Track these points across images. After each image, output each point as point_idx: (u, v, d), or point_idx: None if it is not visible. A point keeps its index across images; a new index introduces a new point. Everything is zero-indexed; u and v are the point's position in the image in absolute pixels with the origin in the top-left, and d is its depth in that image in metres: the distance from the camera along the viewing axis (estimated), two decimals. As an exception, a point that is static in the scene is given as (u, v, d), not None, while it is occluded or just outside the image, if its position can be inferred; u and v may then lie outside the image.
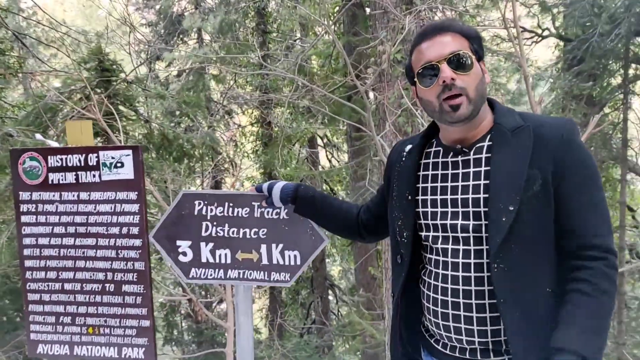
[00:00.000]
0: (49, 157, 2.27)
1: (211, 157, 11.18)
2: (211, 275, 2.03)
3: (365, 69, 5.45)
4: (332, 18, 7.02)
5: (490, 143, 1.37)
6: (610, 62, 7.01)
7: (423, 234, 1.48)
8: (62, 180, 2.27)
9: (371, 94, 4.42)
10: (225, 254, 2.01)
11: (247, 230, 1.97)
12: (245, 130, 13.50)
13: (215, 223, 1.99)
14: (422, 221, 1.47)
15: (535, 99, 2.72)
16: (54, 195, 2.29)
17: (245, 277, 2.01)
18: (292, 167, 11.17)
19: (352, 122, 5.50)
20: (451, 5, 4.79)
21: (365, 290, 8.05)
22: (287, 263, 1.96)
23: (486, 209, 1.32)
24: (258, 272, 2.00)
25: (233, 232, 1.99)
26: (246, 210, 1.97)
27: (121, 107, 8.59)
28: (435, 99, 1.37)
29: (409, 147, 1.56)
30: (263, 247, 1.98)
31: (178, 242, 2.07)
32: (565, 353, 1.20)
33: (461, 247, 1.38)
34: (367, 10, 7.60)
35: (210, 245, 2.02)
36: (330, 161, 12.95)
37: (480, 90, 1.37)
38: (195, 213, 2.02)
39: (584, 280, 1.26)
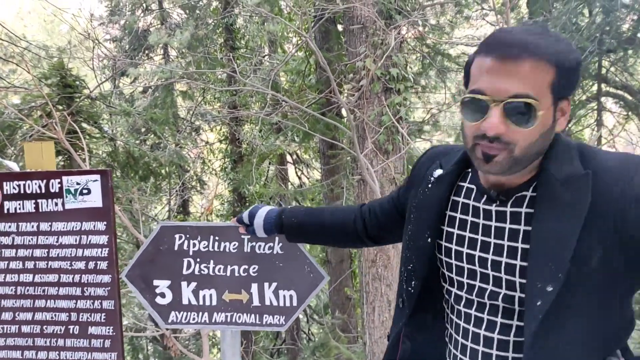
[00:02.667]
0: (4, 183, 2.01)
1: (178, 175, 10.90)
2: (194, 319, 1.80)
3: (341, 85, 5.32)
4: (306, 31, 6.90)
5: (535, 194, 1.07)
6: (582, 79, 7.07)
7: (447, 286, 1.23)
8: (19, 209, 2.02)
9: (350, 112, 4.29)
10: (210, 295, 1.77)
11: (236, 267, 1.75)
12: (214, 147, 13.25)
13: (198, 259, 1.76)
14: (446, 272, 1.22)
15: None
16: (10, 227, 2.03)
17: (233, 320, 1.77)
18: (261, 184, 10.95)
19: (327, 139, 5.35)
20: (427, 21, 4.71)
21: (341, 312, 7.84)
22: (281, 304, 1.74)
23: (521, 280, 1.06)
24: (248, 315, 1.77)
25: (219, 270, 1.76)
26: (234, 245, 1.75)
27: (84, 125, 8.27)
28: (472, 139, 1.05)
29: (438, 172, 1.23)
30: (254, 287, 1.75)
31: (155, 282, 1.82)
32: None
33: (486, 316, 1.13)
34: (340, 26, 7.52)
35: (193, 285, 1.78)
36: (300, 178, 12.79)
37: (536, 147, 1.03)
38: (176, 248, 1.79)
39: None
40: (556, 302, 0.98)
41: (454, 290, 1.19)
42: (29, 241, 2.03)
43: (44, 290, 2.03)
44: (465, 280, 1.15)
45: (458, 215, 1.18)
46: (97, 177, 1.96)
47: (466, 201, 1.17)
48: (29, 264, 2.04)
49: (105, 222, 1.98)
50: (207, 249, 1.77)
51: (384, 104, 4.19)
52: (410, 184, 1.33)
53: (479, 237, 1.12)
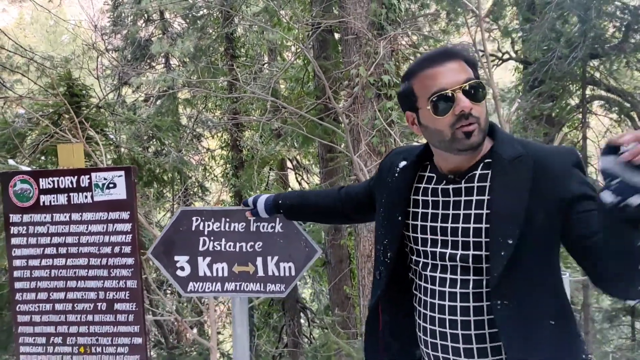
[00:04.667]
0: (40, 179, 2.31)
1: (181, 181, 11.14)
2: (209, 288, 2.11)
3: (338, 91, 5.61)
4: (303, 42, 7.21)
5: (483, 172, 1.34)
6: (569, 83, 7.37)
7: (414, 258, 1.47)
8: (53, 201, 2.32)
9: (344, 116, 4.57)
10: (222, 268, 2.09)
11: (244, 244, 2.07)
12: (215, 154, 13.49)
13: (212, 238, 2.08)
14: (413, 245, 1.45)
15: (504, 117, 2.89)
16: (45, 217, 2.33)
17: (242, 289, 2.09)
18: (262, 190, 11.19)
19: (326, 142, 5.64)
20: (419, 31, 5.00)
21: (340, 310, 8.10)
22: (282, 274, 2.05)
23: (475, 239, 1.31)
24: (254, 284, 2.08)
25: (230, 246, 2.07)
26: (242, 225, 2.06)
27: (90, 132, 8.55)
28: (448, 128, 1.30)
29: (402, 163, 1.51)
30: (259, 260, 2.07)
31: (176, 258, 2.14)
32: None
33: (448, 275, 1.36)
34: (337, 35, 7.82)
35: (208, 259, 2.10)
36: (300, 183, 13.03)
37: (487, 120, 1.34)
38: (193, 229, 2.10)
39: None
40: (514, 252, 1.23)
41: (421, 259, 1.43)
42: (62, 230, 2.32)
43: (75, 272, 2.33)
44: (428, 249, 1.40)
45: (420, 198, 1.45)
46: (122, 173, 2.26)
47: (427, 186, 1.45)
48: (62, 250, 2.33)
49: (128, 212, 2.27)
50: (219, 229, 2.08)
51: (376, 108, 4.48)
52: (379, 176, 1.62)
53: (439, 212, 1.39)
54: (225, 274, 2.08)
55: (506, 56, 9.58)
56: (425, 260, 1.41)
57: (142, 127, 10.07)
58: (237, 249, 2.07)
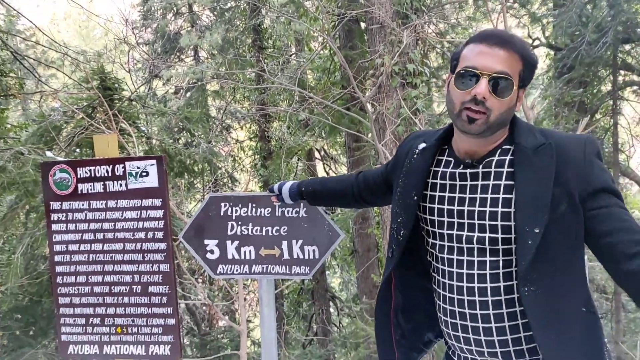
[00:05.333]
0: (78, 168, 2.43)
1: (211, 171, 11.32)
2: (237, 270, 2.21)
3: (364, 81, 5.64)
4: (328, 33, 7.26)
5: (501, 158, 1.37)
6: (600, 69, 7.23)
7: (431, 240, 1.50)
8: (90, 190, 2.44)
9: (369, 105, 4.61)
10: (250, 251, 2.18)
11: (269, 228, 2.16)
12: (244, 144, 13.65)
13: (240, 222, 2.17)
14: (429, 228, 1.49)
15: (528, 105, 2.89)
16: (83, 204, 2.46)
17: (268, 271, 2.18)
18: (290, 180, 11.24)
19: (352, 132, 5.68)
20: (444, 19, 4.99)
21: (368, 298, 8.18)
22: (306, 257, 2.14)
23: (503, 223, 1.33)
24: (280, 266, 2.17)
25: (256, 231, 2.17)
26: (268, 210, 2.15)
27: (123, 125, 8.77)
28: (460, 104, 1.35)
29: (422, 145, 1.54)
30: (284, 243, 2.16)
31: (206, 241, 2.24)
32: None
33: (475, 258, 1.39)
34: (363, 24, 7.83)
35: (236, 243, 2.20)
36: (327, 173, 13.09)
37: (504, 117, 1.35)
38: (222, 214, 2.20)
39: None
40: (542, 239, 1.26)
41: (437, 242, 1.47)
42: (99, 216, 2.45)
43: (111, 257, 2.45)
44: (445, 232, 1.44)
45: (438, 181, 1.48)
46: (154, 162, 2.37)
47: (445, 170, 1.47)
48: (99, 235, 2.46)
49: (160, 199, 2.38)
50: (247, 214, 2.18)
51: (401, 97, 4.51)
52: (397, 159, 1.65)
53: (457, 195, 1.42)
54: (253, 257, 2.18)
55: (536, 42, 9.43)
56: (442, 243, 1.45)
57: (173, 119, 10.27)
58: (264, 233, 2.17)
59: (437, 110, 8.73)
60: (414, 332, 1.63)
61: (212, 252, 2.23)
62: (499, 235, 1.34)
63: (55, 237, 2.49)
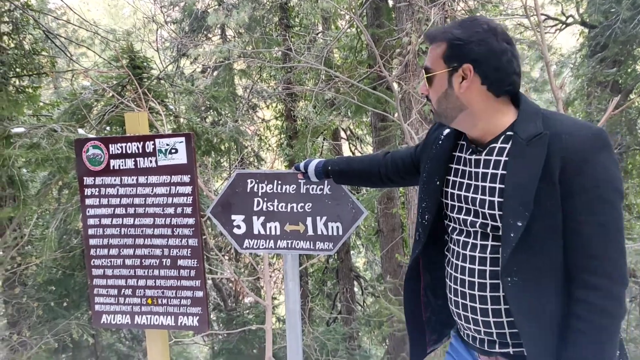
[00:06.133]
0: (110, 145, 2.50)
1: (237, 150, 11.41)
2: (262, 245, 2.26)
3: (390, 60, 5.60)
4: (355, 11, 7.19)
5: (503, 145, 1.38)
6: (635, 47, 7.03)
7: (446, 222, 1.56)
8: (122, 166, 2.51)
9: (396, 85, 4.58)
10: (275, 226, 2.23)
11: (294, 204, 2.20)
12: (270, 124, 13.71)
13: (265, 199, 2.22)
14: (447, 212, 1.55)
15: (557, 84, 2.85)
16: (115, 180, 2.53)
17: (293, 246, 2.23)
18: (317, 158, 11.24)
19: (378, 111, 5.67)
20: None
21: (392, 277, 8.22)
22: (330, 233, 2.18)
23: (490, 211, 1.38)
24: (304, 242, 2.22)
25: (282, 207, 2.22)
26: (293, 187, 2.19)
27: (152, 103, 8.89)
28: None
29: (447, 131, 1.58)
30: (309, 220, 2.20)
31: (233, 217, 2.30)
32: None
33: (471, 240, 1.44)
34: (390, 2, 7.73)
35: (262, 218, 2.25)
36: (353, 153, 13.08)
37: (443, 105, 1.43)
38: (248, 190, 2.25)
39: (580, 317, 1.27)
40: (524, 233, 1.29)
41: (452, 224, 1.53)
42: (130, 192, 2.52)
43: (142, 231, 2.53)
44: (455, 215, 1.50)
45: (454, 166, 1.53)
46: (183, 139, 2.42)
47: (460, 154, 1.52)
48: (130, 210, 2.53)
49: (189, 176, 2.44)
50: (272, 190, 2.22)
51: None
52: (426, 143, 1.70)
53: (465, 181, 1.47)
54: (278, 233, 2.23)
55: (570, 20, 9.18)
56: (455, 225, 1.52)
57: (200, 98, 10.37)
58: (289, 210, 2.22)
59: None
60: (444, 308, 1.67)
61: (238, 227, 2.29)
62: (489, 222, 1.39)
63: (88, 212, 2.57)
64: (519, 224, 1.29)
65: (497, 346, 1.44)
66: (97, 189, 2.55)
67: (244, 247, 2.31)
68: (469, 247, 1.45)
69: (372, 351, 12.61)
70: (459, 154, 1.52)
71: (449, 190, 1.52)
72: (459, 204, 1.48)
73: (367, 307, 13.25)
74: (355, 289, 13.20)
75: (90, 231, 2.59)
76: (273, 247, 2.27)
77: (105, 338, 11.73)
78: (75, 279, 9.32)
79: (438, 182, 1.54)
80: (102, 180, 2.54)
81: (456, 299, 1.50)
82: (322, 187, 2.20)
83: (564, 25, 9.21)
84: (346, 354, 8.78)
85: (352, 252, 13.52)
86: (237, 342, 10.10)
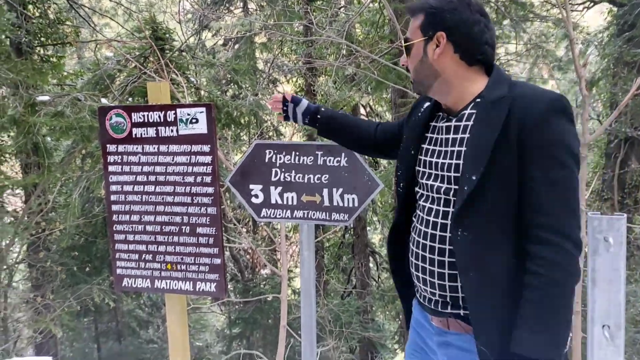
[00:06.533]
0: (132, 113, 2.56)
1: (257, 124, 11.46)
2: (279, 214, 2.32)
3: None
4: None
5: (472, 111, 1.45)
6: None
7: (417, 189, 1.61)
8: (144, 134, 2.57)
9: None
10: (292, 197, 2.29)
11: (311, 176, 2.25)
12: (290, 98, 13.64)
13: (283, 169, 2.28)
14: (418, 179, 1.60)
15: (580, 62, 2.82)
16: (137, 148, 2.59)
17: (309, 216, 2.29)
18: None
19: (399, 87, 5.64)
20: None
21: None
22: (346, 205, 2.23)
23: (454, 174, 1.42)
24: (320, 212, 2.28)
25: (299, 177, 2.27)
26: (310, 159, 2.24)
27: (173, 75, 8.94)
28: None
29: (427, 104, 1.65)
30: (325, 191, 2.25)
31: (251, 186, 2.36)
32: (517, 357, 1.30)
33: (434, 206, 1.50)
34: (414, -24, 7.58)
35: (279, 188, 2.31)
36: (373, 129, 12.97)
37: (420, 72, 1.52)
38: (266, 161, 2.30)
39: (535, 273, 1.30)
40: (477, 186, 1.34)
41: (420, 190, 1.58)
42: (151, 160, 2.58)
43: (163, 198, 2.60)
44: (424, 181, 1.55)
45: (429, 135, 1.59)
46: (203, 109, 2.46)
47: (436, 124, 1.59)
48: (152, 178, 2.60)
49: (209, 145, 2.49)
50: (290, 161, 2.28)
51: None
52: (409, 115, 1.75)
53: (436, 148, 1.53)
54: (295, 203, 2.29)
55: (598, -2, 8.95)
56: (422, 192, 1.57)
57: (221, 71, 10.39)
58: (306, 180, 2.27)
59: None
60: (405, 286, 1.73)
61: (256, 196, 2.35)
62: (452, 187, 1.43)
63: (111, 178, 2.65)
64: (473, 177, 1.35)
65: (449, 307, 1.49)
66: (119, 157, 2.62)
67: (261, 216, 2.37)
68: (433, 213, 1.50)
69: (386, 325, 12.76)
70: (435, 124, 1.59)
71: (422, 157, 1.58)
72: (429, 171, 1.53)
73: (382, 283, 13.37)
74: (371, 265, 13.31)
75: (113, 197, 2.67)
76: (290, 216, 2.33)
77: (125, 304, 12.07)
78: (97, 246, 9.56)
79: (413, 151, 1.61)
80: (125, 148, 2.60)
81: (417, 262, 1.55)
82: (339, 159, 2.24)
83: (592, 3, 8.99)
84: (359, 327, 8.92)
85: (368, 228, 13.59)
86: (252, 312, 10.31)
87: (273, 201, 2.34)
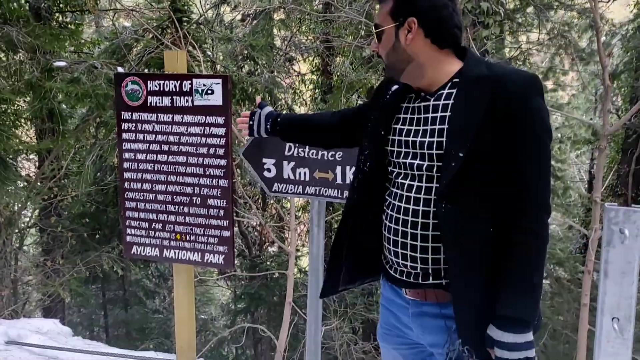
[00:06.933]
0: (148, 81, 2.55)
1: (272, 101, 11.42)
2: (291, 190, 2.31)
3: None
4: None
5: (450, 91, 1.48)
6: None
7: (390, 168, 1.62)
8: (159, 103, 2.56)
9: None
10: (305, 172, 2.28)
11: (325, 152, 2.23)
12: (305, 77, 13.61)
13: (297, 145, 2.25)
14: (391, 158, 1.61)
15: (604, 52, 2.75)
16: (151, 117, 2.59)
17: (321, 193, 2.28)
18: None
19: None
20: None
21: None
22: None
23: (437, 152, 1.45)
24: (332, 189, 2.26)
25: (312, 154, 2.25)
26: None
27: (190, 48, 8.91)
28: None
29: (395, 87, 1.66)
30: (338, 168, 2.23)
31: (264, 160, 2.35)
32: (504, 319, 1.38)
33: (415, 183, 1.52)
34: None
35: (292, 164, 2.29)
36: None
37: (392, 58, 1.54)
38: None
39: (520, 243, 1.38)
40: (464, 163, 1.38)
41: (396, 170, 1.59)
42: (165, 129, 2.58)
43: (175, 168, 2.60)
44: (401, 161, 1.56)
45: (401, 116, 1.61)
46: (220, 80, 2.45)
47: (408, 105, 1.60)
48: (165, 147, 2.60)
49: (224, 117, 2.48)
50: (304, 136, 2.24)
51: (471, 37, 4.36)
52: (373, 98, 1.76)
53: (413, 128, 1.54)
54: (307, 179, 2.28)
55: (626, -11, 8.73)
56: (399, 171, 1.58)
57: (238, 47, 10.33)
58: (319, 157, 2.25)
59: (507, 55, 8.38)
60: (367, 252, 1.72)
61: (269, 170, 2.34)
62: (434, 164, 1.46)
63: (124, 145, 2.65)
64: (460, 154, 1.38)
65: (430, 279, 1.52)
66: (133, 124, 2.62)
67: (273, 190, 2.36)
68: (414, 189, 1.52)
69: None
70: (407, 105, 1.61)
71: (395, 137, 1.60)
72: (406, 150, 1.55)
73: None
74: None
75: (125, 165, 2.67)
76: (301, 192, 2.32)
77: (133, 273, 12.21)
78: (108, 214, 9.64)
79: (383, 132, 1.62)
80: (139, 115, 2.60)
81: (395, 238, 1.56)
82: None
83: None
84: (364, 309, 8.96)
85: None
86: (258, 288, 10.38)
87: (285, 176, 2.32)
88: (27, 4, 7.44)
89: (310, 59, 13.08)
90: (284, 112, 12.59)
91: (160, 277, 12.49)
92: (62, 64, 6.15)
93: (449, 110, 1.46)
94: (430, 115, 1.51)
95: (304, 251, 13.18)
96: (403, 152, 1.57)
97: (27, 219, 9.27)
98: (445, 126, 1.45)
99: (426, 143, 1.49)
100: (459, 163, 1.39)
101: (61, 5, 8.38)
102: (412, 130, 1.55)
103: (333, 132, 1.96)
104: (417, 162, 1.52)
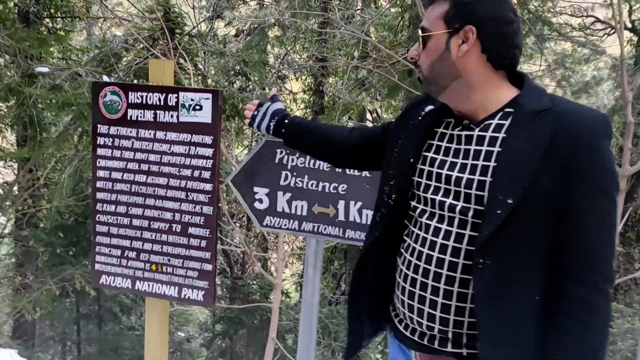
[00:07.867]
0: (129, 92, 2.29)
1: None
2: (285, 225, 2.04)
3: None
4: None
5: (501, 122, 1.24)
6: None
7: (413, 203, 1.39)
8: (140, 117, 2.30)
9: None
10: (302, 206, 2.01)
11: (327, 184, 1.96)
12: (297, 96, 13.47)
13: (295, 173, 1.99)
14: (415, 191, 1.38)
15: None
16: (131, 131, 2.32)
17: (319, 231, 2.00)
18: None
19: (415, 92, 5.39)
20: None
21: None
22: (364, 222, 1.94)
23: (477, 192, 1.22)
24: (333, 227, 1.99)
25: (312, 185, 1.98)
26: (327, 164, 1.95)
27: (181, 60, 8.68)
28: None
29: (429, 107, 1.43)
30: (341, 203, 1.96)
31: (255, 189, 2.08)
32: None
33: (444, 226, 1.28)
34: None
35: (288, 195, 2.02)
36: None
37: (436, 70, 1.29)
38: (276, 161, 2.01)
39: (573, 317, 1.15)
40: (512, 214, 1.14)
41: (420, 205, 1.34)
42: (146, 146, 2.31)
43: (154, 191, 2.33)
44: (429, 196, 1.31)
45: (436, 142, 1.35)
46: (210, 95, 2.19)
47: (445, 131, 1.35)
48: (144, 167, 2.33)
49: (212, 137, 2.22)
50: (303, 164, 1.98)
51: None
52: (401, 119, 1.51)
53: (449, 159, 1.30)
54: (304, 213, 2.00)
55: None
56: (425, 207, 1.34)
57: (230, 61, 10.15)
58: (320, 189, 1.97)
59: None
60: (384, 299, 1.51)
61: (260, 201, 2.07)
62: (471, 206, 1.22)
63: (99, 162, 2.38)
64: (509, 201, 1.15)
65: (449, 345, 1.29)
66: (110, 139, 2.35)
67: (264, 224, 2.08)
68: (442, 234, 1.27)
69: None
70: (444, 130, 1.36)
71: (426, 167, 1.35)
72: (437, 184, 1.31)
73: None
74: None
75: (99, 184, 2.40)
76: (297, 228, 2.04)
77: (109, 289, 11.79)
78: (86, 227, 9.28)
79: (412, 160, 1.37)
80: (118, 130, 2.33)
81: (412, 289, 1.32)
82: None
83: (613, 30, 8.74)
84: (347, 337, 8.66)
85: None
86: (238, 312, 10.02)
87: (279, 209, 2.04)
88: (17, 7, 7.19)
89: (303, 77, 12.96)
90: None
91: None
92: (44, 69, 5.86)
93: (497, 145, 1.21)
94: (472, 147, 1.26)
95: (288, 272, 12.85)
96: (433, 187, 1.32)
97: (0, 230, 8.88)
98: (492, 163, 1.20)
99: (464, 180, 1.24)
100: (506, 211, 1.14)
101: (52, 10, 8.14)
102: (448, 162, 1.30)
103: (349, 150, 1.70)
104: (449, 200, 1.27)
